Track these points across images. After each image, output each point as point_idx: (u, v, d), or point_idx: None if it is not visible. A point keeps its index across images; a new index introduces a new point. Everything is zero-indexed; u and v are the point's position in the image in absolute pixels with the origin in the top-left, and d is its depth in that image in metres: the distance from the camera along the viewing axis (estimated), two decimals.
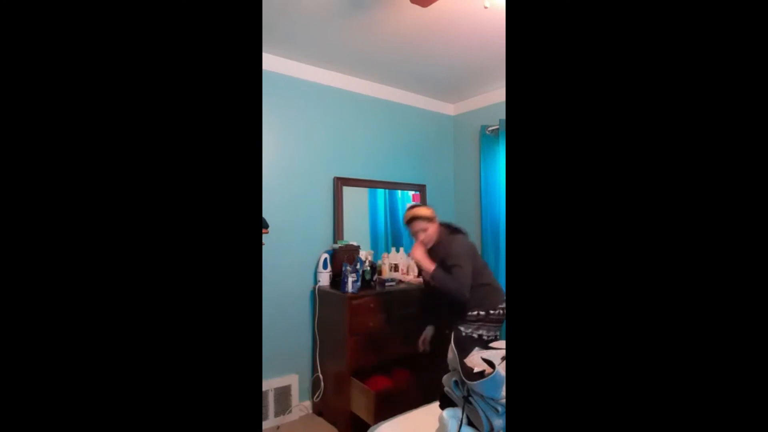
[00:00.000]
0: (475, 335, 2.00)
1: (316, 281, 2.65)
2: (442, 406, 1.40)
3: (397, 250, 2.93)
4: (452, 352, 1.30)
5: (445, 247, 2.06)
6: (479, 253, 3.16)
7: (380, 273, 2.77)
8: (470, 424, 1.35)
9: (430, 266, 1.97)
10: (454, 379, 1.31)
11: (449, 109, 3.54)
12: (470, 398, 1.24)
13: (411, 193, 3.25)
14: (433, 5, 1.91)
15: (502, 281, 2.91)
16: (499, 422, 1.30)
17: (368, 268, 2.54)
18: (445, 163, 3.52)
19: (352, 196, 2.91)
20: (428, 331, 2.37)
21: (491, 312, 2.03)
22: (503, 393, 1.20)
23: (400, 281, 2.71)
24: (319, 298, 2.57)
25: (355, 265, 2.46)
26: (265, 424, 2.42)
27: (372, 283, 2.56)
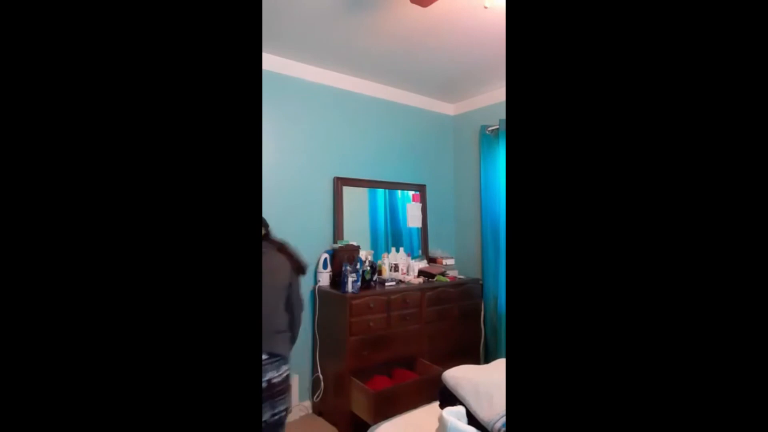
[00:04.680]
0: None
1: (316, 281, 2.65)
2: (442, 406, 1.41)
3: (397, 250, 2.93)
4: None
5: None
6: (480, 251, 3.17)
7: (380, 273, 2.77)
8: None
9: None
10: None
11: (449, 109, 3.54)
12: None
13: (411, 193, 3.25)
14: (433, 5, 1.91)
15: (502, 280, 2.92)
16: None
17: (368, 268, 2.54)
18: (445, 163, 3.52)
19: (352, 196, 2.91)
20: None
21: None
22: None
23: (400, 281, 2.71)
24: (319, 298, 2.57)
25: (355, 265, 2.46)
26: None
27: (372, 283, 2.56)
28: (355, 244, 2.70)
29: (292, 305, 1.71)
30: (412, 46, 2.41)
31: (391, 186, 3.13)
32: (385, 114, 3.13)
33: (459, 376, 1.58)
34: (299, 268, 1.73)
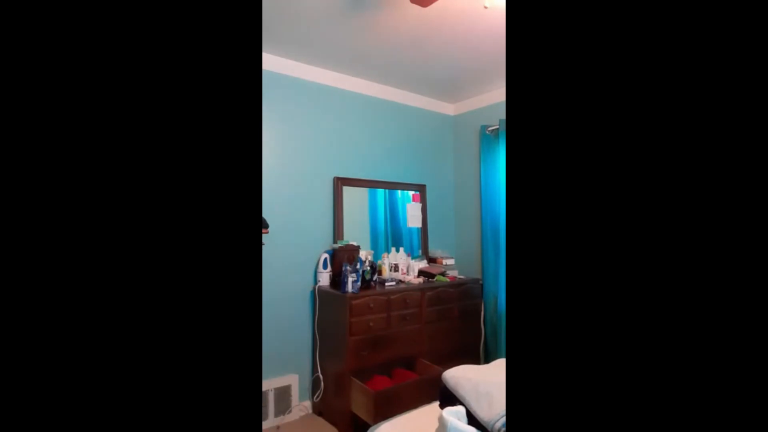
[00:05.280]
0: None
1: (316, 281, 2.65)
2: (442, 406, 1.41)
3: (397, 250, 2.93)
4: None
5: None
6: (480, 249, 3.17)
7: (380, 273, 2.77)
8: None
9: None
10: None
11: (449, 109, 3.54)
12: None
13: (411, 193, 3.25)
14: (433, 5, 1.91)
15: (502, 280, 2.92)
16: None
17: (368, 268, 2.54)
18: (445, 163, 3.52)
19: (352, 196, 2.91)
20: None
21: None
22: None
23: (400, 281, 2.71)
24: (319, 298, 2.57)
25: (355, 265, 2.46)
26: (265, 424, 2.42)
27: (372, 283, 2.56)
28: (355, 244, 2.70)
29: None
30: (412, 46, 2.41)
31: (391, 186, 3.13)
32: (386, 114, 3.13)
33: (459, 376, 1.58)
34: None
